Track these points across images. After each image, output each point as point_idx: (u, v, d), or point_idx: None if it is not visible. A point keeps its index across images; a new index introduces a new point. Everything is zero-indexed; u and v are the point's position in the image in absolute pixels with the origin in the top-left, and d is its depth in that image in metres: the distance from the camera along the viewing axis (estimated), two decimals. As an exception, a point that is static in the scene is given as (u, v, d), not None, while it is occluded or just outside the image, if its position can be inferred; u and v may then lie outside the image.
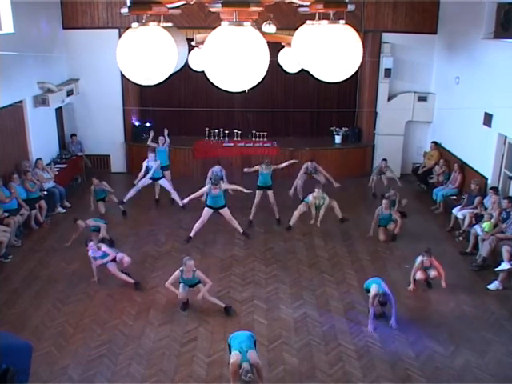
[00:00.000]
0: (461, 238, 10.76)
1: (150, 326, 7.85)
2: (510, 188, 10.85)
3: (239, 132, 14.98)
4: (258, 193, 11.40)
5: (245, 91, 3.09)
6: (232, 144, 14.72)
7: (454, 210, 11.22)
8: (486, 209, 10.50)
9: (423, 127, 14.97)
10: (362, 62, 3.31)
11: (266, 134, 14.94)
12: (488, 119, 11.33)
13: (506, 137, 11.02)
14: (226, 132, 14.93)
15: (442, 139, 14.04)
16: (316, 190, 10.77)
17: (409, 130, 14.93)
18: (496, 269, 9.06)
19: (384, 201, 10.75)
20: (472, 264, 9.68)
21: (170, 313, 8.17)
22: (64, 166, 13.40)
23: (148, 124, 15.32)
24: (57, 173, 12.63)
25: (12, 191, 10.63)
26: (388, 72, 14.30)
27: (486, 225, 9.77)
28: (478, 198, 10.82)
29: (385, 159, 13.24)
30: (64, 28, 14.09)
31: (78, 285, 8.93)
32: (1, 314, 7.97)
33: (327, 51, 3.16)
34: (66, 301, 8.45)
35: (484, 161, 11.57)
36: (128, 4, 3.18)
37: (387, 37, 14.30)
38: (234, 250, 10.33)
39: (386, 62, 14.24)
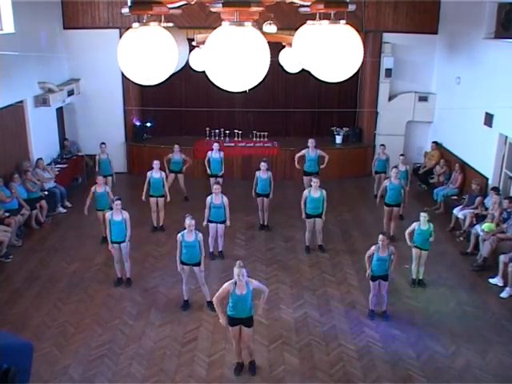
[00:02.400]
0: (461, 238, 10.76)
1: (150, 325, 7.85)
2: (511, 188, 10.85)
3: (240, 132, 15.00)
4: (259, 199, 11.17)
5: (245, 91, 3.09)
6: (233, 144, 14.74)
7: (455, 210, 11.24)
8: (486, 209, 10.53)
9: (424, 127, 14.96)
10: (362, 62, 3.31)
11: (266, 133, 14.95)
12: (489, 119, 11.33)
13: (506, 137, 11.01)
14: (227, 132, 14.94)
15: (443, 139, 14.04)
16: (314, 179, 10.00)
17: (409, 130, 14.93)
18: (490, 280, 9.15)
19: (394, 169, 10.64)
20: (473, 264, 9.69)
21: (171, 313, 8.18)
22: (65, 166, 13.42)
23: (149, 124, 15.36)
24: (57, 173, 12.64)
25: (13, 191, 10.64)
26: (389, 72, 14.31)
27: (485, 225, 9.78)
28: (478, 198, 10.84)
29: (382, 144, 13.09)
30: (65, 28, 14.10)
31: (78, 284, 8.95)
32: (2, 314, 7.98)
33: (328, 51, 3.16)
34: (66, 300, 8.45)
35: (485, 161, 11.56)
36: (129, 4, 3.18)
37: (388, 37, 14.30)
38: (235, 250, 10.33)
39: (386, 61, 14.25)
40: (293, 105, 15.50)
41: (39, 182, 11.60)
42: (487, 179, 11.42)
